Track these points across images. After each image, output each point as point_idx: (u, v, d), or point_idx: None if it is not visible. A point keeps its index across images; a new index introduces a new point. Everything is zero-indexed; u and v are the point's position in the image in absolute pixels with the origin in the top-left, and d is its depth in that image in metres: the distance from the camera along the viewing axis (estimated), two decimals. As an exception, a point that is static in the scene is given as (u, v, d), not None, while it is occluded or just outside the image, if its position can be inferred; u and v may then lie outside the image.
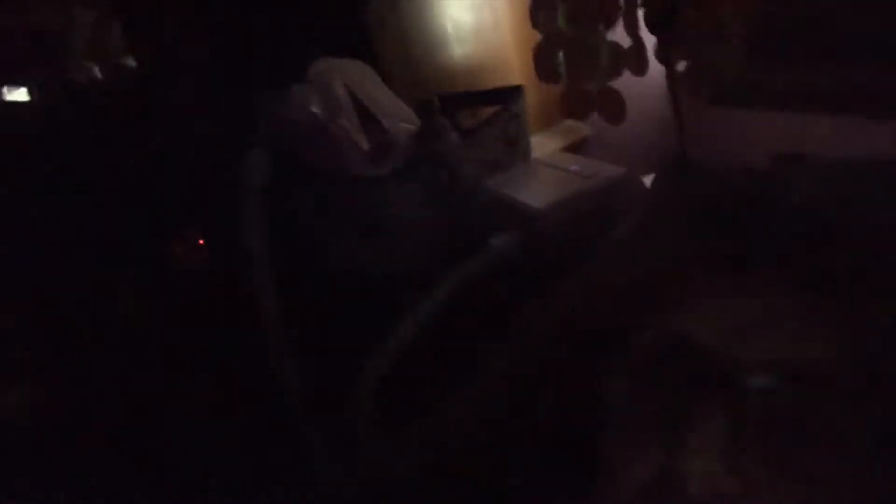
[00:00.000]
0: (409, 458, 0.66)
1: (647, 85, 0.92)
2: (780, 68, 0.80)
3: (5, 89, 0.97)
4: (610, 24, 0.86)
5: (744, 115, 0.89)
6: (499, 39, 1.27)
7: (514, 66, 1.30)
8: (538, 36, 1.10)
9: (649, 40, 0.89)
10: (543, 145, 1.22)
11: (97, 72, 1.00)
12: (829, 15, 0.79)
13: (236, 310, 0.88)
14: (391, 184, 0.94)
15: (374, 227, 0.93)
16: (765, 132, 0.87)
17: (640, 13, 0.85)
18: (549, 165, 0.98)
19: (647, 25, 0.85)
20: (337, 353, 0.88)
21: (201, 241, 1.04)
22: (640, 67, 0.87)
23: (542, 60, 0.94)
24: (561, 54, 0.92)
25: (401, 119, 0.95)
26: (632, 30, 0.86)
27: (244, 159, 0.90)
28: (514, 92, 1.04)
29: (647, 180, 0.90)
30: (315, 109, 0.90)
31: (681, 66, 0.85)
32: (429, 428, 0.67)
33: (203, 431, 0.83)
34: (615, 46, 0.88)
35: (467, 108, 1.14)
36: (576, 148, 1.29)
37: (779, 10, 0.82)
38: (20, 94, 0.98)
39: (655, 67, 0.88)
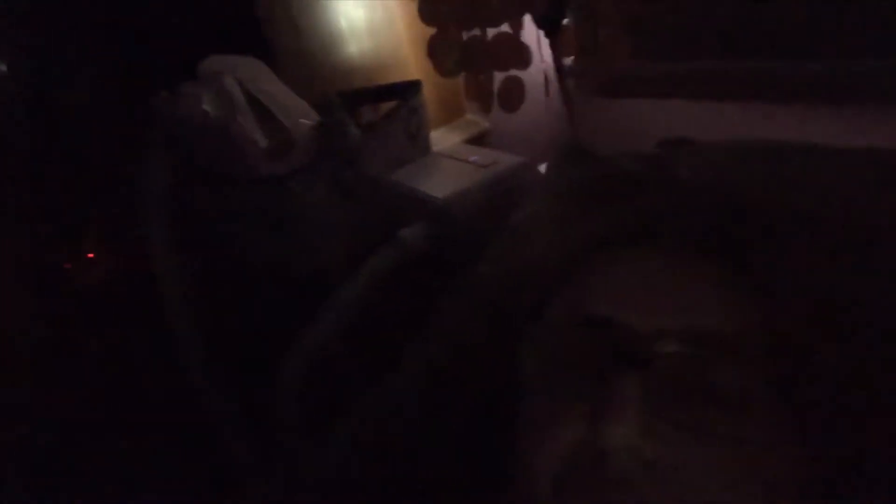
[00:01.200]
0: (334, 458, 0.66)
1: (541, 78, 0.97)
2: (662, 58, 0.85)
3: None
4: (498, 19, 0.89)
5: (631, 104, 0.94)
6: (394, 35, 1.29)
7: (411, 62, 1.31)
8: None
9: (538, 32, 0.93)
10: (444, 139, 1.25)
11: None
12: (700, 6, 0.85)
13: (143, 320, 0.85)
14: (294, 182, 0.94)
15: (279, 226, 0.92)
16: (651, 119, 0.93)
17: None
18: (449, 157, 1.01)
19: (535, 21, 0.89)
20: (252, 356, 0.87)
21: (90, 255, 0.99)
22: (525, 62, 0.91)
23: (436, 55, 0.96)
24: (454, 48, 0.94)
25: (300, 116, 0.95)
26: (516, 25, 0.90)
27: (140, 163, 0.87)
28: (413, 86, 1.05)
29: (543, 168, 0.94)
30: (207, 108, 0.88)
31: (568, 59, 0.90)
32: (351, 426, 0.68)
33: (120, 444, 0.79)
34: (505, 38, 0.92)
35: (366, 103, 1.15)
36: (475, 141, 1.33)
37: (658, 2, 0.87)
38: None
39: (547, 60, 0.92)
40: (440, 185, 0.88)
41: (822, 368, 0.42)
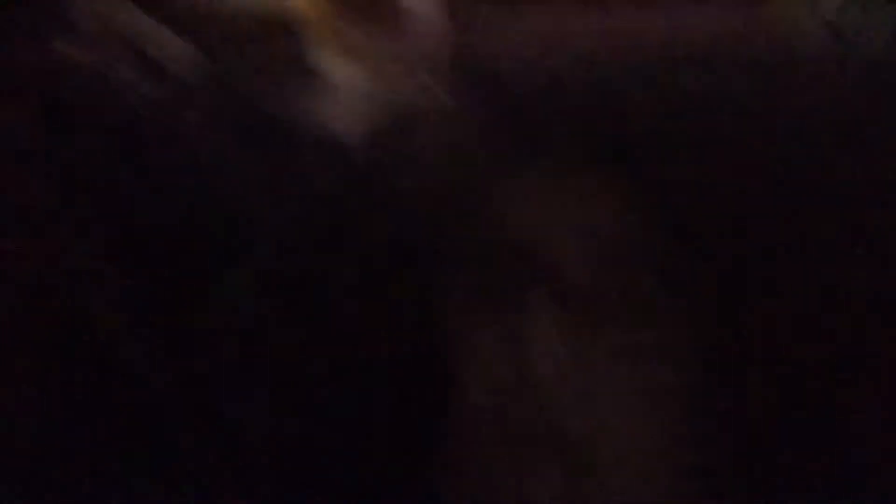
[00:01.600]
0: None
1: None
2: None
3: None
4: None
5: (517, 22, 0.96)
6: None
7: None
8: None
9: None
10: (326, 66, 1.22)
11: None
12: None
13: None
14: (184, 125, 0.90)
15: (177, 174, 0.89)
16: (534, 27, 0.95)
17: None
18: (346, 85, 1.00)
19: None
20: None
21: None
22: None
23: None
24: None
25: (178, 53, 0.90)
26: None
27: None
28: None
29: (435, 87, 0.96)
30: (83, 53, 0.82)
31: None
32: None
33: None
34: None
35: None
36: (358, 66, 1.31)
37: None
38: None
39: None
40: (343, 113, 0.88)
41: (708, 262, 0.48)
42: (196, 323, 0.80)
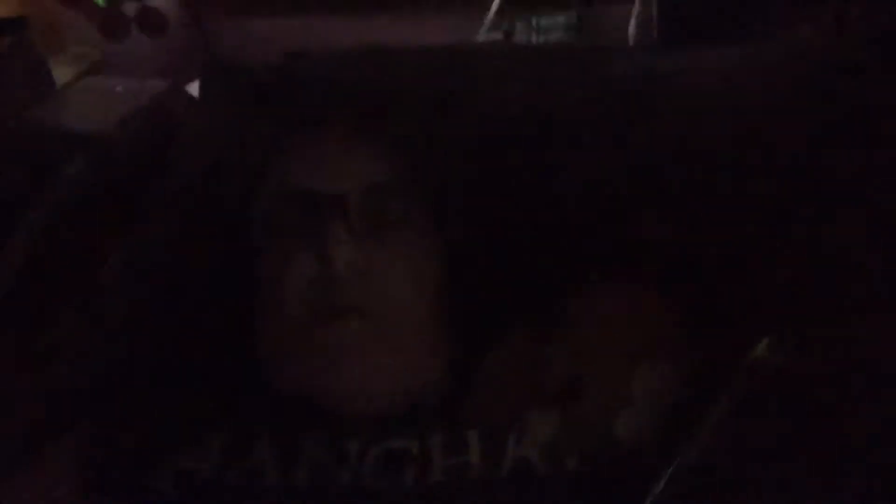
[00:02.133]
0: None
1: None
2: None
3: None
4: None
5: (255, 23, 1.07)
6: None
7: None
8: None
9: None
10: (57, 75, 1.20)
11: None
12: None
13: None
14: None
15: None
16: (274, 35, 1.07)
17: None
18: (89, 91, 1.01)
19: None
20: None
21: None
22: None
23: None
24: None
25: None
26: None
27: None
28: (18, 23, 1.00)
29: (189, 88, 1.02)
30: None
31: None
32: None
33: None
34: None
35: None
36: (93, 72, 1.30)
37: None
38: None
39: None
40: (93, 118, 0.91)
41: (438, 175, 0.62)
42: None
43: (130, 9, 0.98)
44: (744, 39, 0.74)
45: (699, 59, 0.73)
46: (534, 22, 1.33)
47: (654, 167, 0.64)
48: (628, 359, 0.50)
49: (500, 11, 1.30)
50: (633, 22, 1.20)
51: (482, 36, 1.30)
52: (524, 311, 0.57)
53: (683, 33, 1.00)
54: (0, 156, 0.91)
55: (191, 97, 0.98)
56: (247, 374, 0.57)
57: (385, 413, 0.54)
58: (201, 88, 0.91)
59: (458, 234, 0.60)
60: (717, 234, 0.60)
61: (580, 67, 0.84)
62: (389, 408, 0.54)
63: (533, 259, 0.60)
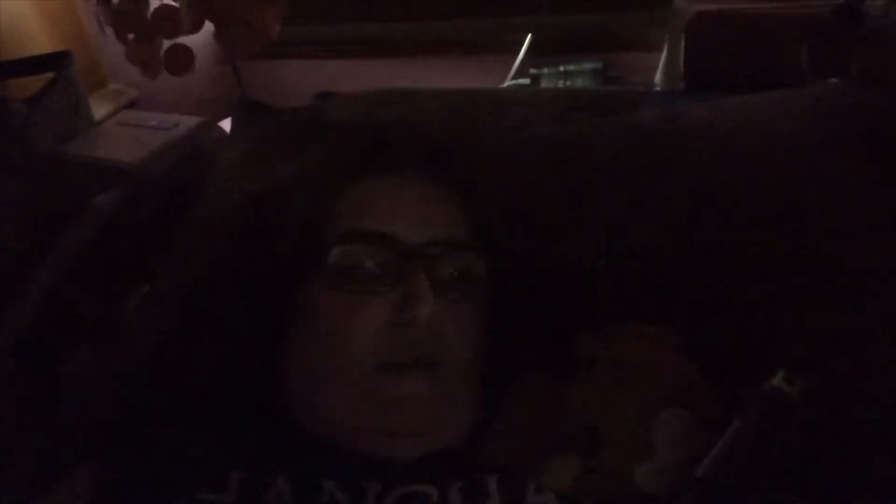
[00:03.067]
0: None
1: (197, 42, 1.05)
2: (307, 22, 1.01)
3: None
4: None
5: (285, 65, 1.10)
6: (13, 4, 1.21)
7: (37, 33, 1.25)
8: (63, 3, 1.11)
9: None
10: (96, 110, 1.24)
11: None
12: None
13: None
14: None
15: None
16: (303, 76, 1.10)
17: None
18: (125, 125, 1.04)
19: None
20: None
21: None
22: (195, 28, 1.00)
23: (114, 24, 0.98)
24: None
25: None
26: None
27: None
28: (63, 57, 1.04)
29: (223, 124, 1.05)
30: None
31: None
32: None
33: None
34: (166, 9, 0.99)
35: (4, 77, 1.08)
36: (128, 108, 1.34)
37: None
38: None
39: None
40: (127, 150, 0.93)
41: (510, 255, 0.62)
42: None
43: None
44: (771, 88, 0.73)
45: (726, 107, 0.72)
46: (561, 68, 1.36)
47: (678, 214, 0.63)
48: (648, 407, 0.49)
49: (527, 57, 1.32)
50: (660, 69, 1.21)
51: (509, 81, 1.33)
52: (543, 355, 0.56)
53: (711, 81, 1.00)
54: (37, 185, 0.94)
55: (222, 133, 1.01)
56: (270, 412, 0.56)
57: (406, 457, 0.53)
58: (232, 124, 0.93)
59: (505, 284, 0.59)
60: (742, 281, 0.59)
61: (606, 113, 0.84)
62: (411, 453, 0.53)
63: (552, 303, 0.59)
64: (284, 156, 0.74)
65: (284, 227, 0.60)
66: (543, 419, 0.53)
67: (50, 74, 1.01)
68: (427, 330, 0.51)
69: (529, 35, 1.34)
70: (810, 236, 0.59)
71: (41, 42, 1.23)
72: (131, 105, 1.37)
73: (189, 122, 0.99)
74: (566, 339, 0.56)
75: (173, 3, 0.98)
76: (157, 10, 0.97)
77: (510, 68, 1.32)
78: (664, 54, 1.17)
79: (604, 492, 0.49)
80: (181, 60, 0.98)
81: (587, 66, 1.35)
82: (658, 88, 1.17)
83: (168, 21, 0.97)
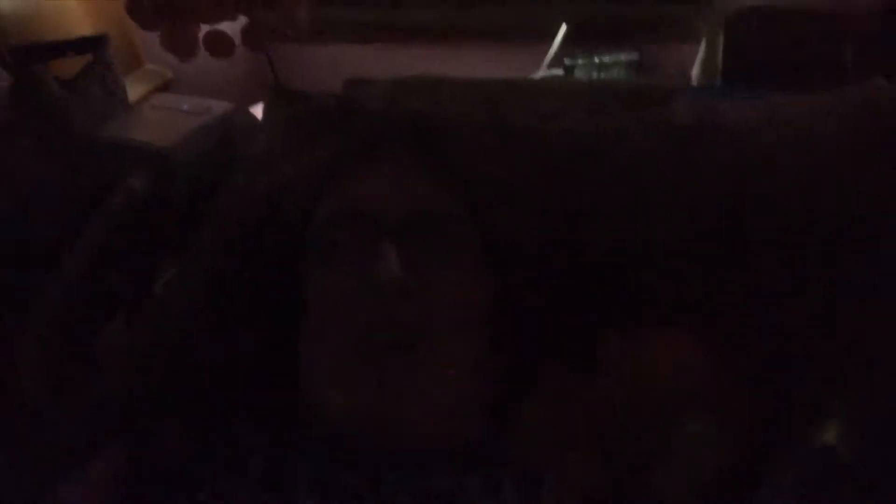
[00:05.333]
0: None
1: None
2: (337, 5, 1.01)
3: None
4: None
5: (316, 50, 1.10)
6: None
7: (77, 14, 1.27)
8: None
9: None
10: (131, 91, 1.25)
11: None
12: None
13: None
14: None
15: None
16: (334, 61, 1.10)
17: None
18: (159, 108, 1.05)
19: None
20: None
21: None
22: (229, 14, 1.00)
23: (136, 9, 0.98)
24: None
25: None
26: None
27: None
28: (100, 41, 1.05)
29: (253, 110, 1.05)
30: None
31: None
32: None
33: None
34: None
35: (44, 60, 1.10)
36: (163, 90, 1.36)
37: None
38: None
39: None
40: (160, 134, 0.94)
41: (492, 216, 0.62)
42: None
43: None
44: (812, 86, 0.71)
45: (763, 107, 0.70)
46: (595, 59, 1.33)
47: (708, 214, 0.62)
48: (671, 410, 0.48)
49: (561, 47, 1.30)
50: (697, 62, 1.19)
51: (542, 72, 1.31)
52: (564, 353, 0.56)
53: (749, 77, 0.98)
54: (72, 166, 0.96)
55: (253, 118, 1.02)
56: (290, 401, 0.57)
57: (423, 451, 0.53)
58: (264, 111, 0.94)
59: (505, 272, 0.59)
60: (773, 287, 0.58)
61: (639, 106, 0.83)
62: (428, 445, 0.53)
63: (575, 301, 0.58)
64: (306, 145, 0.74)
65: (289, 218, 0.61)
66: (563, 417, 0.53)
67: (88, 57, 1.02)
68: (406, 302, 0.51)
69: (564, 24, 1.32)
70: (845, 245, 0.57)
71: (83, 24, 1.25)
72: (166, 86, 1.38)
73: (220, 106, 1.00)
74: (589, 336, 0.56)
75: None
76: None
77: (543, 58, 1.30)
78: (702, 47, 1.14)
79: (621, 493, 0.49)
80: (221, 44, 0.98)
81: (622, 57, 1.33)
82: (694, 82, 1.14)
83: (211, 4, 0.97)
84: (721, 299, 0.59)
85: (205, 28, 1.04)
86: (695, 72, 1.17)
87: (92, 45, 1.05)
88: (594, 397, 0.51)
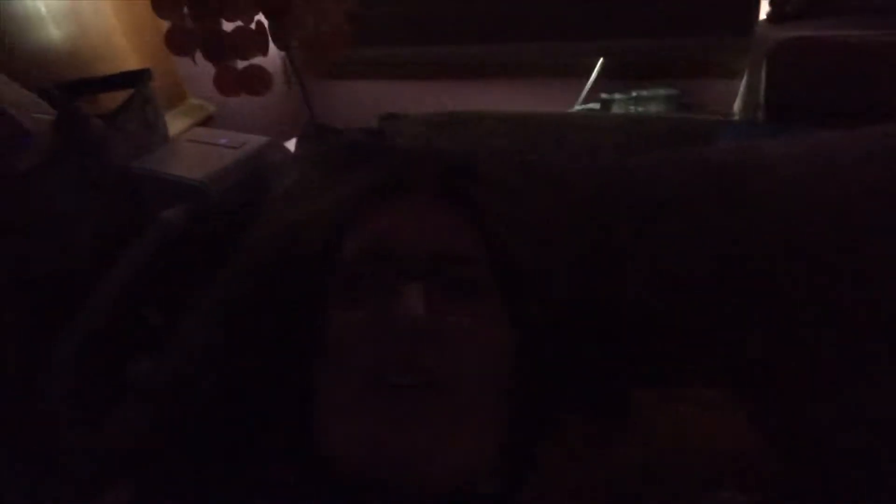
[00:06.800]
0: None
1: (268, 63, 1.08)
2: (375, 44, 1.02)
3: None
4: (232, 12, 0.99)
5: (352, 85, 1.11)
6: (102, 23, 1.27)
7: (124, 50, 1.31)
8: (147, 17, 1.16)
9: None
10: (172, 125, 1.29)
11: None
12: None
13: None
14: (35, 178, 0.92)
15: (25, 227, 0.90)
16: (368, 98, 1.11)
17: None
18: (194, 142, 1.07)
19: (264, 12, 0.99)
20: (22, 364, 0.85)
21: None
22: (263, 49, 1.02)
23: (177, 46, 1.01)
24: (194, 40, 1.01)
25: (31, 109, 0.93)
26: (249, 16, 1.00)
27: None
28: (143, 75, 1.08)
29: (288, 144, 1.07)
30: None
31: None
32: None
33: None
34: (242, 31, 1.01)
35: (88, 94, 1.14)
36: (203, 125, 1.39)
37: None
38: None
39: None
40: (196, 167, 0.96)
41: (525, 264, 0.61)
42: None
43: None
44: (858, 122, 0.67)
45: (807, 145, 0.67)
46: (633, 93, 1.32)
47: (747, 258, 0.59)
48: (703, 481, 0.45)
49: (598, 82, 1.29)
50: (739, 97, 1.16)
51: (579, 106, 1.30)
52: (589, 404, 0.53)
53: (793, 112, 0.94)
54: (109, 198, 0.98)
55: (287, 153, 1.03)
56: (302, 439, 0.56)
57: (437, 495, 0.51)
58: (297, 145, 0.95)
59: (530, 317, 0.57)
60: (816, 341, 0.54)
61: (676, 143, 0.80)
62: (441, 490, 0.51)
63: (602, 350, 0.56)
64: (334, 180, 0.74)
65: (314, 253, 0.60)
66: (584, 471, 0.50)
67: (130, 91, 1.05)
68: (426, 344, 0.50)
69: (601, 59, 1.31)
70: (890, 296, 0.53)
71: (129, 59, 1.30)
72: (208, 120, 1.42)
73: (256, 141, 1.02)
74: (617, 387, 0.53)
75: (246, 25, 1.00)
76: (234, 31, 1.00)
77: (580, 92, 1.29)
78: (744, 82, 1.11)
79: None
80: (259, 80, 1.00)
81: (661, 91, 1.31)
82: (736, 118, 1.11)
83: (250, 41, 0.99)
84: (753, 354, 0.55)
85: (242, 64, 1.07)
86: (736, 106, 1.14)
87: (135, 79, 1.09)
88: (620, 454, 0.48)
